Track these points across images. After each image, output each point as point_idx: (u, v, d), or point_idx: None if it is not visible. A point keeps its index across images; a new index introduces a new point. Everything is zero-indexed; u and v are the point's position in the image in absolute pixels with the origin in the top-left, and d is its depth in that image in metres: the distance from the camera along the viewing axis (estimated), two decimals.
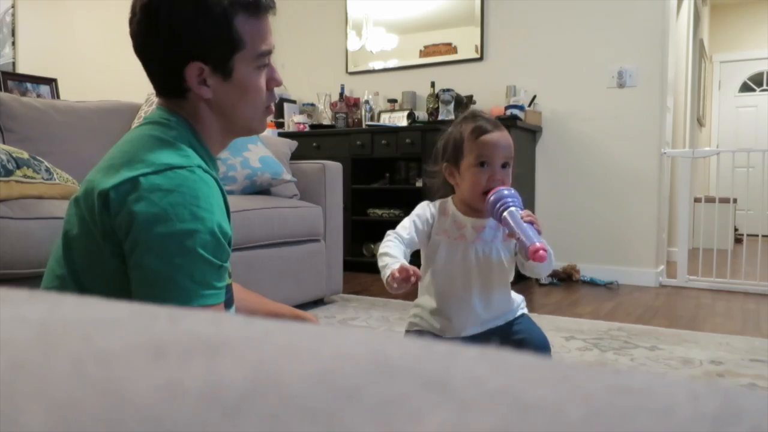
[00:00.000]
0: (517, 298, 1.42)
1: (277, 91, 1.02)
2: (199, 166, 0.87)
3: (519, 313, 1.40)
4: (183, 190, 0.83)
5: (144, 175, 0.83)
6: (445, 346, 0.20)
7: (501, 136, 1.26)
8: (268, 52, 0.95)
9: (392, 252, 1.22)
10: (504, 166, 1.25)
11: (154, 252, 0.82)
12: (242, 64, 0.92)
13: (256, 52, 0.92)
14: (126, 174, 0.83)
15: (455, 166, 1.30)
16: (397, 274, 1.13)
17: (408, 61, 4.03)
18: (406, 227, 1.31)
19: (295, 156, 2.91)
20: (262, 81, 0.96)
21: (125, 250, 0.84)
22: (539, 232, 1.17)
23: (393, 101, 3.93)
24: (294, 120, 4.10)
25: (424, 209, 1.35)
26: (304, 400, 0.15)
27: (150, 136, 0.90)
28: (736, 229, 5.50)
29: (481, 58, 3.77)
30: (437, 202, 1.36)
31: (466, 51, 3.82)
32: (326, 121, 4.09)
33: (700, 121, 5.86)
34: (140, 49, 0.92)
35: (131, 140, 0.91)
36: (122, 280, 0.86)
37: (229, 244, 0.90)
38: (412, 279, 1.13)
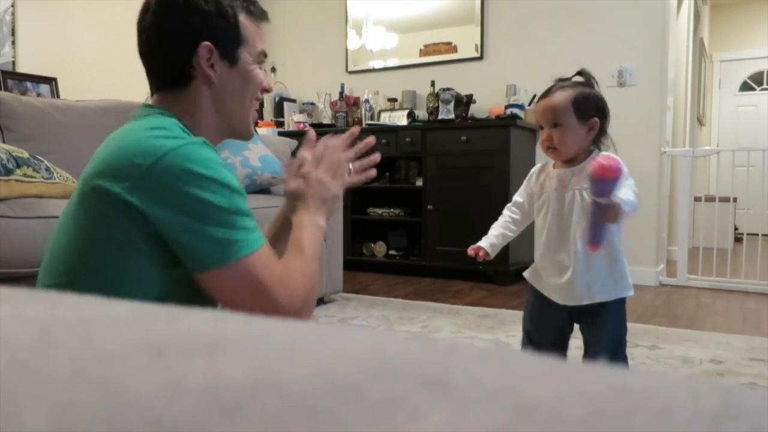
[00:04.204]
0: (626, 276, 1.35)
1: (276, 90, 1.06)
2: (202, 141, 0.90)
3: (617, 295, 1.34)
4: (194, 157, 0.86)
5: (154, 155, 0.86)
6: (445, 344, 0.20)
7: (543, 102, 1.35)
8: (265, 54, 1.05)
9: (490, 231, 1.41)
10: (554, 125, 1.32)
11: (179, 208, 0.84)
12: (246, 56, 1.00)
13: (257, 49, 1.02)
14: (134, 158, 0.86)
15: None
16: (470, 252, 1.35)
17: (408, 60, 4.03)
18: (519, 191, 1.46)
19: (295, 155, 2.91)
20: (261, 75, 1.04)
21: (150, 216, 0.84)
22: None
23: (393, 100, 3.93)
24: (294, 119, 4.10)
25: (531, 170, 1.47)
26: (304, 399, 0.15)
27: (142, 128, 0.90)
28: (736, 228, 5.50)
29: (481, 57, 3.77)
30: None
31: (466, 50, 3.82)
32: (326, 120, 4.09)
33: (700, 120, 5.86)
34: (151, 40, 0.96)
35: (126, 131, 0.92)
36: (136, 257, 0.86)
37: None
38: (480, 256, 1.35)
